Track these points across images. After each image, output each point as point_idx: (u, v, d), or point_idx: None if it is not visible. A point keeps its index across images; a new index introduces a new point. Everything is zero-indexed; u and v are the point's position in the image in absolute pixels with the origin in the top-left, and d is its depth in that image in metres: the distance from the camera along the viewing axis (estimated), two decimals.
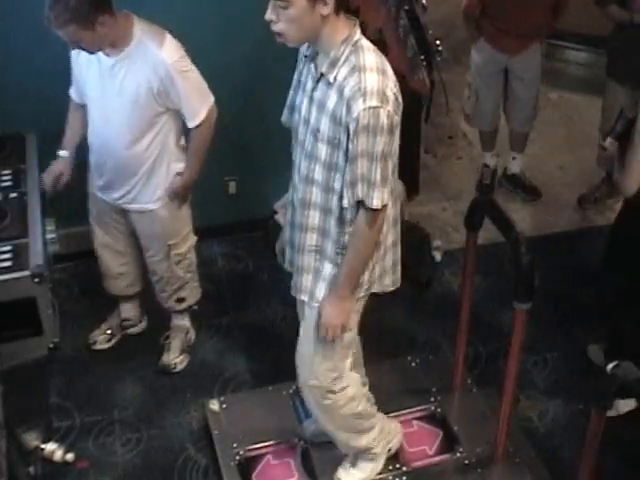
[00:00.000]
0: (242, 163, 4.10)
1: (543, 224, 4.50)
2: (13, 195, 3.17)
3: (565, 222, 4.54)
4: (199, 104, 3.05)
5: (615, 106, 4.16)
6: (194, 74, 3.01)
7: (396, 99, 2.30)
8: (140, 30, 2.93)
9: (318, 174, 2.40)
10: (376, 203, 2.32)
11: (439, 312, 3.84)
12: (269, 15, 2.23)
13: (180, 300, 3.54)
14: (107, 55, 2.94)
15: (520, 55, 4.31)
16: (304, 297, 2.58)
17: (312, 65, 2.37)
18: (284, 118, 2.61)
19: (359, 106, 2.21)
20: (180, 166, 3.20)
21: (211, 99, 3.08)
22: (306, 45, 2.40)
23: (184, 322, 3.68)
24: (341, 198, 2.37)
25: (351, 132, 2.25)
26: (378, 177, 2.30)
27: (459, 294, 3.14)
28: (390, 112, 2.25)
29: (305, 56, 2.42)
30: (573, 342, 3.70)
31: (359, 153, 2.27)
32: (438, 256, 4.20)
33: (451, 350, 3.37)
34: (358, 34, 2.30)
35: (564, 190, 4.74)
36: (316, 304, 2.54)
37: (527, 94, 4.46)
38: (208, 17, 3.65)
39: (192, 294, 3.57)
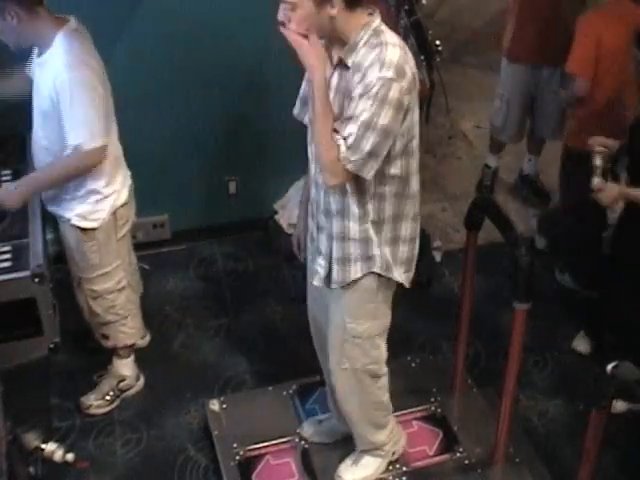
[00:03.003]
0: (242, 163, 4.10)
1: None
2: None
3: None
4: (78, 134, 2.76)
5: None
6: (88, 103, 2.75)
7: (414, 78, 2.25)
8: (63, 36, 2.75)
9: None
10: (369, 174, 2.26)
11: (439, 312, 3.84)
12: (280, 16, 2.24)
13: (104, 337, 3.30)
14: (38, 56, 2.82)
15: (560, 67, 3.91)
16: (317, 283, 2.58)
17: (327, 54, 2.33)
18: (296, 111, 2.58)
19: (374, 74, 2.17)
20: (99, 184, 2.94)
21: (95, 143, 2.78)
22: None
23: (119, 368, 3.39)
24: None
25: (356, 96, 2.21)
26: (368, 147, 2.20)
27: (459, 294, 3.14)
28: (403, 88, 2.19)
29: None
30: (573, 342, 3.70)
31: (355, 115, 2.19)
32: (438, 256, 4.21)
33: (451, 350, 3.37)
34: (377, 21, 2.27)
35: None
36: (335, 286, 2.53)
37: (557, 106, 4.21)
38: (208, 18, 3.66)
39: (117, 337, 3.29)
